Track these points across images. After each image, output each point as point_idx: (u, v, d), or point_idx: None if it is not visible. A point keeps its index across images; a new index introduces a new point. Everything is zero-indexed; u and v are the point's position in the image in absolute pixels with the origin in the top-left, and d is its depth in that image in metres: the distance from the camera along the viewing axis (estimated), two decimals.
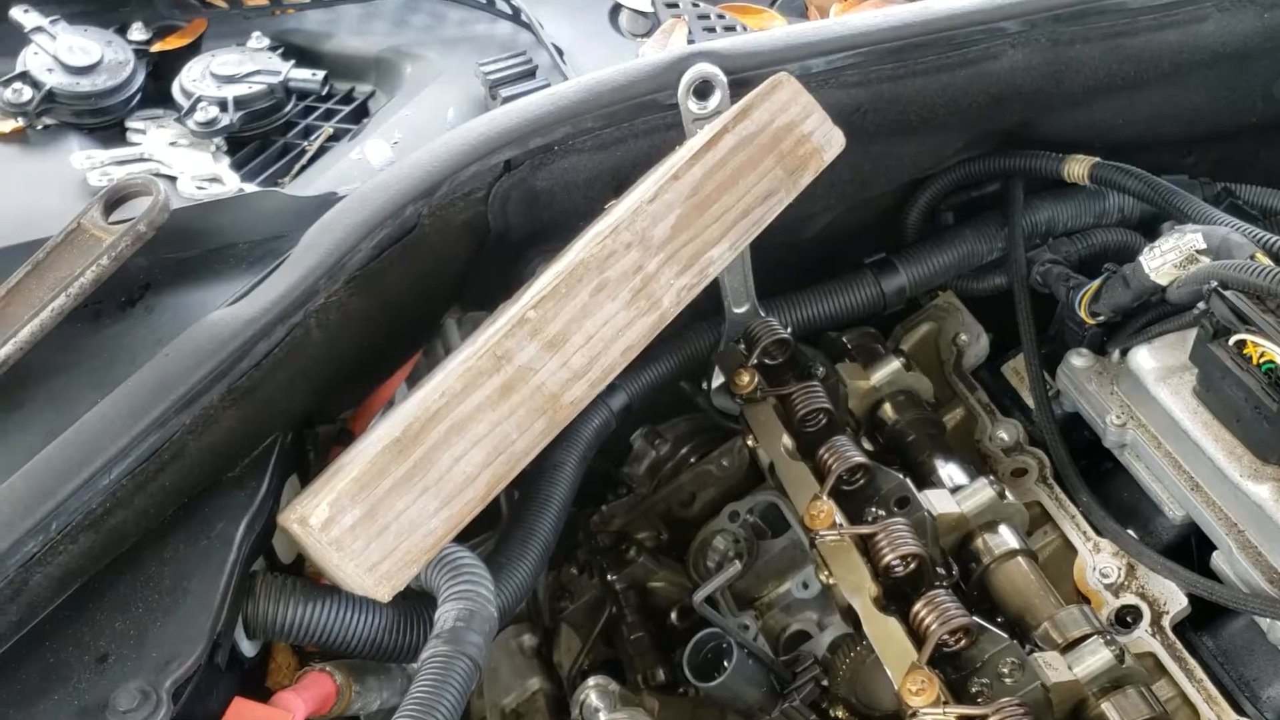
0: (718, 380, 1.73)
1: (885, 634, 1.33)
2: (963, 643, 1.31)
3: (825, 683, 1.45)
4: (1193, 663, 1.41)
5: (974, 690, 1.28)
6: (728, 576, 1.47)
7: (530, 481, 1.59)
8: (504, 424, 1.16)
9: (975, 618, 1.31)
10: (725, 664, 1.39)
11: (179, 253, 1.43)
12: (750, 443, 1.65)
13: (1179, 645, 1.43)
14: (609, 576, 1.78)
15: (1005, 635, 1.31)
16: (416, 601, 1.37)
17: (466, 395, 1.14)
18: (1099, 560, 1.51)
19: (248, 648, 1.32)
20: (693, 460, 1.95)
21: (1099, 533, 1.52)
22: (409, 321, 1.54)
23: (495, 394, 1.15)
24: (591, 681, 1.53)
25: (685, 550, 1.85)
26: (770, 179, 1.30)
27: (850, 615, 1.40)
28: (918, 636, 1.31)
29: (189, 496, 1.28)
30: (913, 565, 1.38)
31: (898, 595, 1.38)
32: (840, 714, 1.46)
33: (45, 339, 1.31)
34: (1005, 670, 1.28)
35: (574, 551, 1.92)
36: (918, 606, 1.33)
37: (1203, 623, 1.47)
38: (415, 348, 1.62)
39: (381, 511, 1.11)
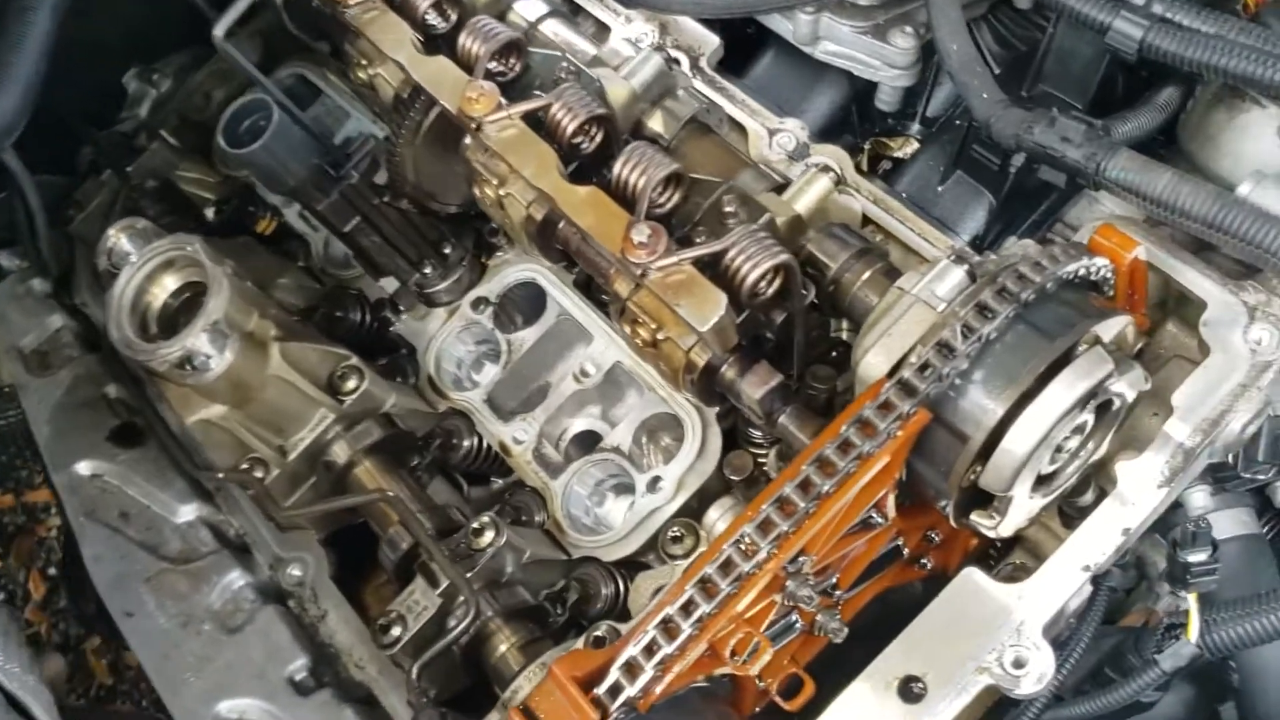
0: None
1: (594, 202, 1.18)
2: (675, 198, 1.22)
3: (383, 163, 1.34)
4: (733, 89, 1.46)
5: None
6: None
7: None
8: None
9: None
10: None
11: None
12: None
13: (719, 79, 1.47)
14: (126, 169, 1.55)
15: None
16: None
17: None
18: (632, 29, 1.50)
19: None
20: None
21: (628, 6, 1.52)
22: None
23: None
24: (118, 224, 1.30)
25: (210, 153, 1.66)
26: None
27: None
28: (627, 201, 1.19)
29: None
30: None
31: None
32: (404, 204, 1.36)
33: None
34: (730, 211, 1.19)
35: (72, 163, 1.65)
36: (619, 167, 1.19)
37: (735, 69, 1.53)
38: None
39: None
